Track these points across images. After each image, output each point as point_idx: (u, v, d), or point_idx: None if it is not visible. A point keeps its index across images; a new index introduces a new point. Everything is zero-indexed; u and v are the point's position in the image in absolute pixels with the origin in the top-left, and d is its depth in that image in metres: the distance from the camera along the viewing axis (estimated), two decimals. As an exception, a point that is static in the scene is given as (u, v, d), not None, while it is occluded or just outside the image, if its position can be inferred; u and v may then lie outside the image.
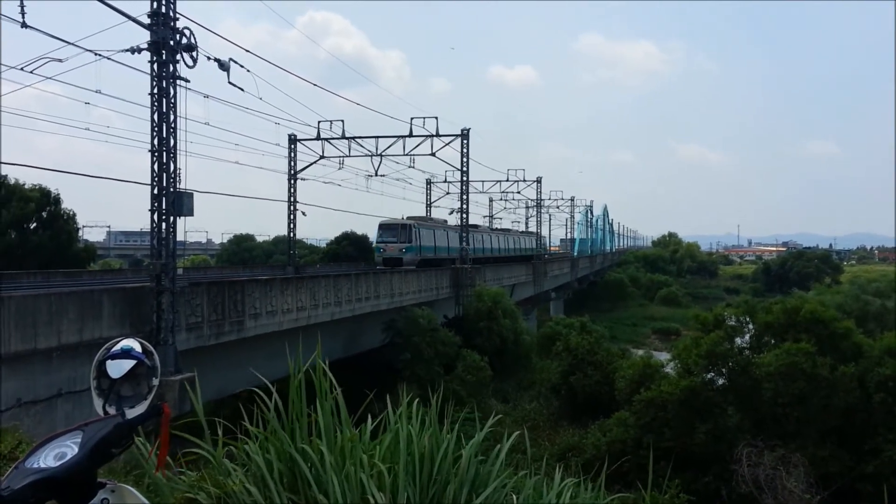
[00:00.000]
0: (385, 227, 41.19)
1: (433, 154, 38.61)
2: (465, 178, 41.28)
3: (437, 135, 38.02)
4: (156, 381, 2.58)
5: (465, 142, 39.90)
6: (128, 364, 2.52)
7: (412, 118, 37.71)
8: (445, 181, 51.32)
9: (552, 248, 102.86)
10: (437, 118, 37.70)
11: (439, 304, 35.90)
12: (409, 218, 44.12)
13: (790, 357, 21.84)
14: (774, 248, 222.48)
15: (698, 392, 22.83)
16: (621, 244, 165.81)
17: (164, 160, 16.72)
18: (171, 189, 16.74)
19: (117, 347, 2.56)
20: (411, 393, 4.66)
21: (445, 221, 50.12)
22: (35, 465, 2.12)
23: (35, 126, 50.07)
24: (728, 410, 23.23)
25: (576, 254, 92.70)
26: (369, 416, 4.55)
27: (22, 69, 17.86)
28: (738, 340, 24.85)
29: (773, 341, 24.36)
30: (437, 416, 4.54)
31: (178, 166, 17.00)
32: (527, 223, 75.21)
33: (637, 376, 25.46)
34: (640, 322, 77.86)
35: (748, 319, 25.86)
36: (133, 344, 2.58)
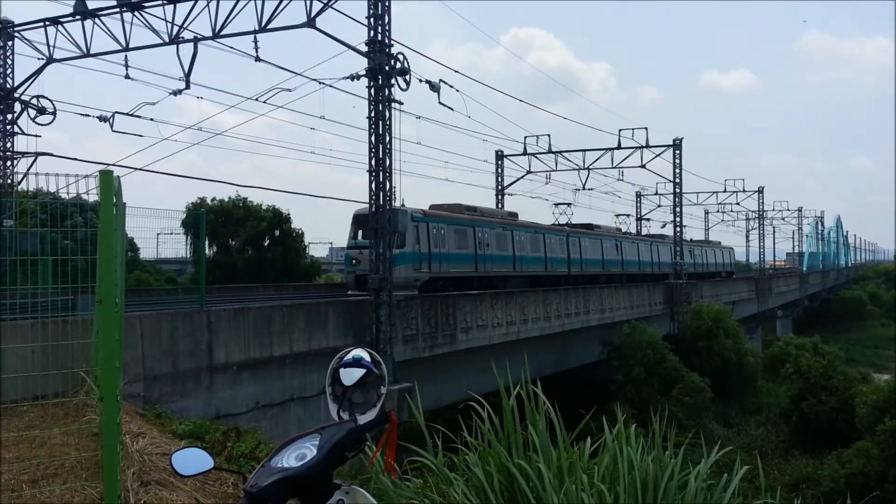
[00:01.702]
0: (361, 222, 21.67)
1: (643, 166, 37.42)
2: (677, 190, 39.43)
3: (647, 146, 36.82)
4: (384, 390, 2.69)
5: (677, 152, 38.23)
6: (359, 372, 2.66)
7: (620, 130, 36.89)
8: (656, 193, 49.44)
9: (778, 263, 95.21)
10: (646, 129, 36.57)
11: (652, 320, 34.46)
12: (433, 206, 26.27)
13: None
14: None
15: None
16: (858, 258, 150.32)
17: (381, 179, 17.58)
18: (388, 206, 17.57)
19: (349, 356, 2.71)
20: (625, 413, 4.42)
21: (513, 215, 31.75)
22: (279, 465, 2.29)
23: (268, 151, 55.56)
24: None
25: (805, 269, 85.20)
26: (588, 438, 4.32)
27: (256, 99, 19.85)
28: None
29: None
30: (660, 439, 4.24)
31: (392, 185, 17.85)
32: (706, 233, 70.24)
33: (881, 403, 22.89)
34: (883, 344, 69.32)
35: None
36: (363, 353, 2.72)
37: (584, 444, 4.20)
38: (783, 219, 77.96)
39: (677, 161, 38.35)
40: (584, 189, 40.06)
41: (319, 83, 19.49)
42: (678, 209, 40.19)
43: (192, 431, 8.59)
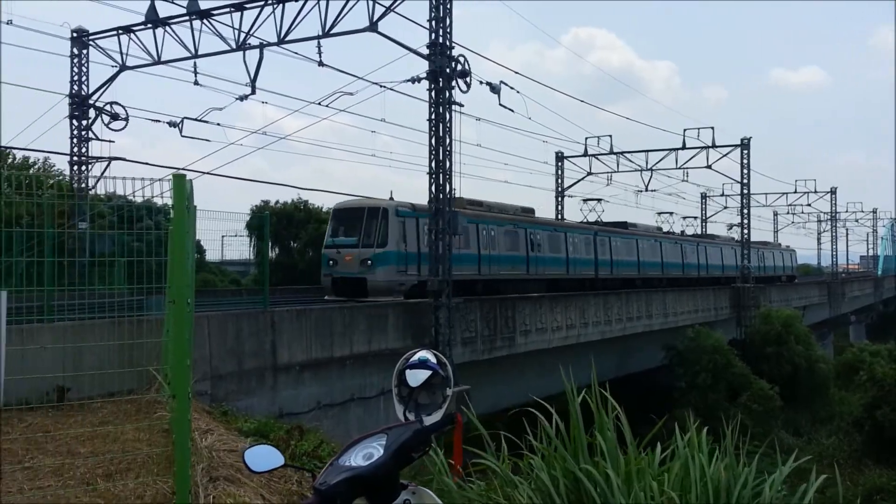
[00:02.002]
0: (341, 218, 20.69)
1: (709, 166, 36.54)
2: (745, 191, 38.37)
3: (713, 146, 35.95)
4: (449, 392, 2.72)
5: (744, 152, 37.22)
6: (424, 374, 2.69)
7: (685, 129, 36.16)
8: (723, 195, 48.11)
9: (851, 267, 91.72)
10: (712, 128, 35.70)
11: (717, 325, 33.62)
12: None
13: None
14: None
15: None
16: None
17: (441, 181, 17.63)
18: (447, 209, 17.60)
19: (415, 358, 2.74)
20: (696, 420, 4.31)
21: (529, 210, 27.62)
22: (347, 464, 2.33)
23: (329, 154, 56.34)
24: None
25: (879, 272, 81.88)
26: (658, 444, 4.22)
27: (319, 103, 20.16)
28: None
29: None
30: (731, 447, 4.11)
31: (452, 187, 17.88)
32: (775, 236, 67.88)
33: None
34: (966, 352, 66.12)
35: None
36: (429, 355, 2.75)
37: (653, 451, 4.10)
38: (857, 220, 75.10)
39: (745, 161, 37.30)
40: (646, 190, 39.41)
41: (381, 86, 19.71)
42: (745, 210, 39.09)
43: (257, 429, 8.74)
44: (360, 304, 16.13)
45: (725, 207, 50.13)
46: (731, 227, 52.10)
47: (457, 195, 18.50)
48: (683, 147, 36.09)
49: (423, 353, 2.76)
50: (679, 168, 37.54)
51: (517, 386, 19.28)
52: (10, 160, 32.41)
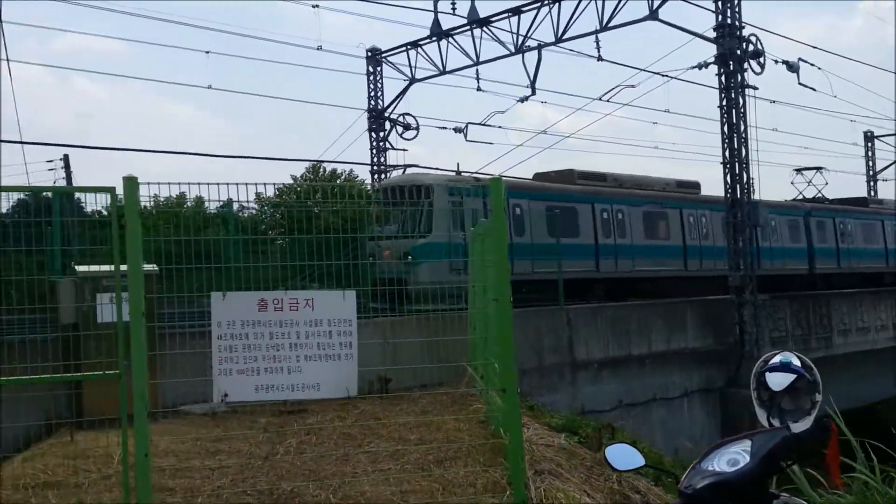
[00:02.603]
0: (385, 201, 15.59)
1: None
2: None
3: None
4: (819, 397, 2.57)
5: None
6: (787, 378, 2.56)
7: None
8: None
9: None
10: None
11: None
12: (538, 175, 19.82)
13: None
14: None
15: None
16: None
17: (737, 171, 16.45)
18: (746, 200, 16.38)
19: (776, 360, 2.63)
20: None
21: (690, 185, 21.70)
22: (710, 468, 2.26)
23: (606, 150, 55.74)
24: None
25: None
26: None
27: (600, 99, 19.99)
28: None
29: None
30: None
31: (751, 176, 16.62)
32: None
33: None
34: None
35: None
36: (792, 357, 2.61)
37: None
38: None
39: None
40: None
41: (664, 76, 19.02)
42: None
43: (565, 425, 8.75)
44: (655, 302, 15.49)
45: None
46: None
47: (756, 185, 16.99)
48: None
49: (786, 355, 2.63)
50: None
51: (834, 390, 17.33)
52: (321, 172, 36.75)
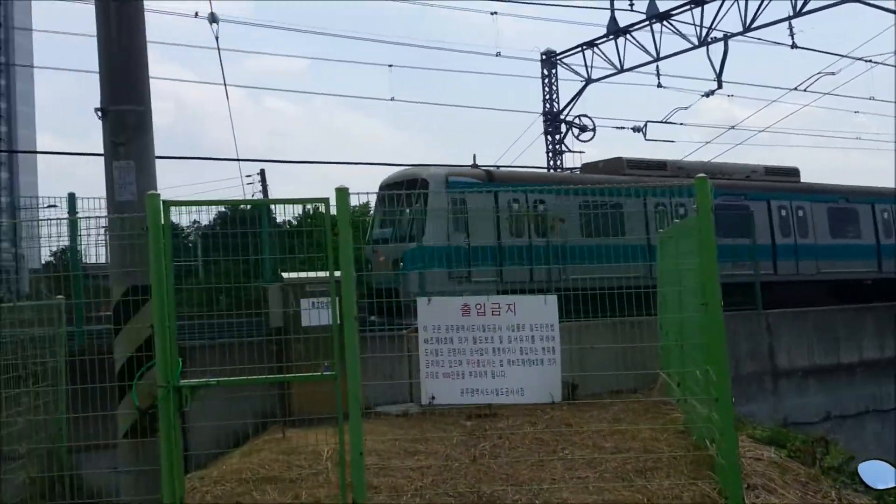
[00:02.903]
0: (385, 199, 13.44)
1: None
2: None
3: None
4: None
5: None
6: None
7: None
8: None
9: None
10: None
11: None
12: (586, 165, 17.88)
13: None
14: None
15: None
16: None
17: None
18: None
19: None
20: None
21: (788, 171, 17.95)
22: None
23: (797, 142, 51.82)
24: None
25: None
26: None
27: (796, 89, 18.62)
28: None
29: None
30: None
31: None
32: None
33: None
34: None
35: None
36: None
37: None
38: None
39: None
40: None
41: (867, 62, 17.45)
42: None
43: (771, 438, 8.16)
44: (866, 305, 14.10)
45: None
46: None
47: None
48: None
49: None
50: None
51: None
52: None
